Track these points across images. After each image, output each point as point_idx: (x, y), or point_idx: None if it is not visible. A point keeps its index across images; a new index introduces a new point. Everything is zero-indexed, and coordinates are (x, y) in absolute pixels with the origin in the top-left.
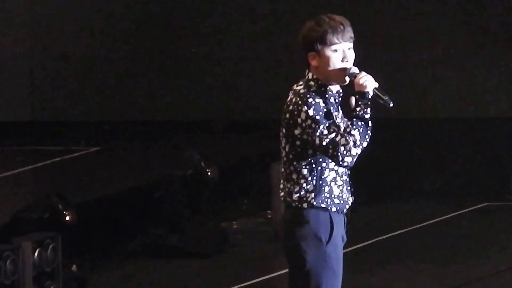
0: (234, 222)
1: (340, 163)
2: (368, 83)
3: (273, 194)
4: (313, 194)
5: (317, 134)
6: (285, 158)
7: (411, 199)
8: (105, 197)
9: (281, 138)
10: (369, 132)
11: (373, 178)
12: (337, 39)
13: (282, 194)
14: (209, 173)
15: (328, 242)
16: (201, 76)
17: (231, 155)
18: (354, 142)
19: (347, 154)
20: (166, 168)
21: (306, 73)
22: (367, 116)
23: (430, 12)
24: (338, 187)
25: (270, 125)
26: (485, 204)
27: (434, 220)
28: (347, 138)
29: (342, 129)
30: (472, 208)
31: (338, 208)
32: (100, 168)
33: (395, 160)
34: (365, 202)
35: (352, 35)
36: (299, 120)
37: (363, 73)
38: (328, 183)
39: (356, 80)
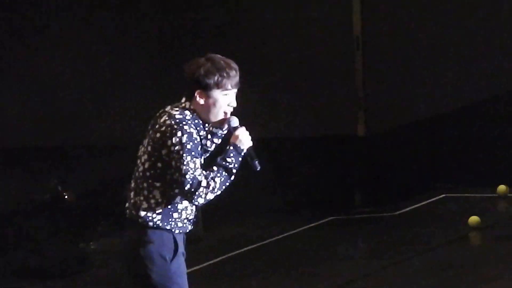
0: (91, 243)
1: (192, 201)
2: (245, 140)
3: None
4: (159, 216)
5: (184, 163)
6: (141, 173)
7: (261, 216)
8: None
9: (141, 153)
10: (227, 183)
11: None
12: (231, 85)
13: (126, 205)
14: (66, 197)
15: (172, 260)
16: (57, 102)
17: (87, 180)
18: (213, 189)
19: (202, 196)
20: (25, 193)
21: (184, 100)
22: (234, 171)
23: None
24: (187, 215)
25: (125, 150)
26: (331, 218)
27: (285, 234)
28: (209, 182)
29: (205, 172)
30: (319, 222)
31: (180, 231)
32: None
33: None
34: (218, 220)
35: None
36: (169, 142)
37: (243, 129)
38: (179, 210)
39: (236, 133)
